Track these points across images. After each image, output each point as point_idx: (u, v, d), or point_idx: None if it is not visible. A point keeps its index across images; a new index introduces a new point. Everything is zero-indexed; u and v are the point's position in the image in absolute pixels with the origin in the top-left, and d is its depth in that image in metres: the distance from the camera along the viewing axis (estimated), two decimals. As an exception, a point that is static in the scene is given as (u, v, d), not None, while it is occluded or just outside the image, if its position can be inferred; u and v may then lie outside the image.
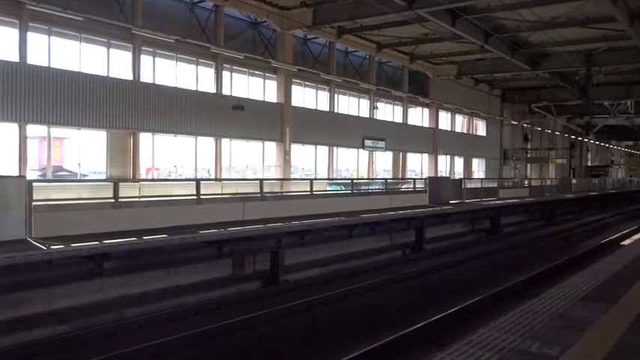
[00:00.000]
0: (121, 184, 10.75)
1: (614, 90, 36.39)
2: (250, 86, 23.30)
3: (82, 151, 18.00)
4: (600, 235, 19.28)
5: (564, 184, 33.05)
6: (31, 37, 16.29)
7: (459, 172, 37.78)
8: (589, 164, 59.03)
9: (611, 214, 28.84)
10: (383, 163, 31.67)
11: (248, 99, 22.48)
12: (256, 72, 23.46)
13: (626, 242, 15.81)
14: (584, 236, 19.00)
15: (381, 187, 20.60)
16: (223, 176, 21.33)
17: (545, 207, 24.69)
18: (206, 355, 7.02)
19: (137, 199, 12.35)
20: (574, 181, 36.49)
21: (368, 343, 6.72)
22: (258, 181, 14.69)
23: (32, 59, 16.26)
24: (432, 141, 34.46)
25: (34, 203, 8.70)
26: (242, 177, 22.11)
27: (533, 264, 12.60)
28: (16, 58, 15.88)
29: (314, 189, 15.43)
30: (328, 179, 24.74)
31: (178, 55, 20.42)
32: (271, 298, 9.50)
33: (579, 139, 51.27)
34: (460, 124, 38.93)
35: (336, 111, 27.60)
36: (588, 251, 14.67)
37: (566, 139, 50.86)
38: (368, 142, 29.05)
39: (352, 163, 29.31)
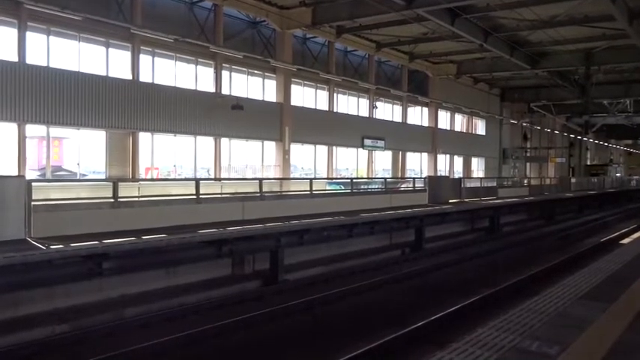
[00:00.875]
0: (120, 183, 10.75)
1: (613, 89, 36.37)
2: (249, 86, 23.29)
3: (81, 151, 17.99)
4: (600, 233, 19.28)
5: (563, 183, 33.08)
6: (30, 36, 16.27)
7: (458, 172, 37.77)
8: (588, 163, 58.99)
9: (611, 212, 28.84)
10: (382, 162, 31.67)
11: (247, 98, 22.48)
12: (255, 71, 23.45)
13: (626, 241, 15.79)
14: (583, 235, 19.02)
15: (380, 186, 20.59)
16: (223, 176, 21.33)
17: (545, 206, 24.71)
18: (205, 354, 7.01)
19: (136, 199, 12.33)
20: (573, 180, 36.50)
21: (367, 342, 6.72)
22: (257, 181, 14.68)
23: (31, 59, 16.25)
24: (432, 140, 34.46)
25: (33, 203, 8.69)
26: (241, 176, 22.10)
27: (533, 263, 12.61)
28: (15, 58, 15.86)
29: (313, 188, 15.42)
30: (328, 179, 24.73)
31: (177, 55, 20.41)
32: (271, 298, 9.50)
33: (578, 137, 51.24)
34: (459, 123, 38.92)
35: (335, 110, 27.58)
36: (588, 250, 14.68)
37: (566, 138, 50.86)
38: (367, 142, 29.04)
39: (351, 162, 29.30)
